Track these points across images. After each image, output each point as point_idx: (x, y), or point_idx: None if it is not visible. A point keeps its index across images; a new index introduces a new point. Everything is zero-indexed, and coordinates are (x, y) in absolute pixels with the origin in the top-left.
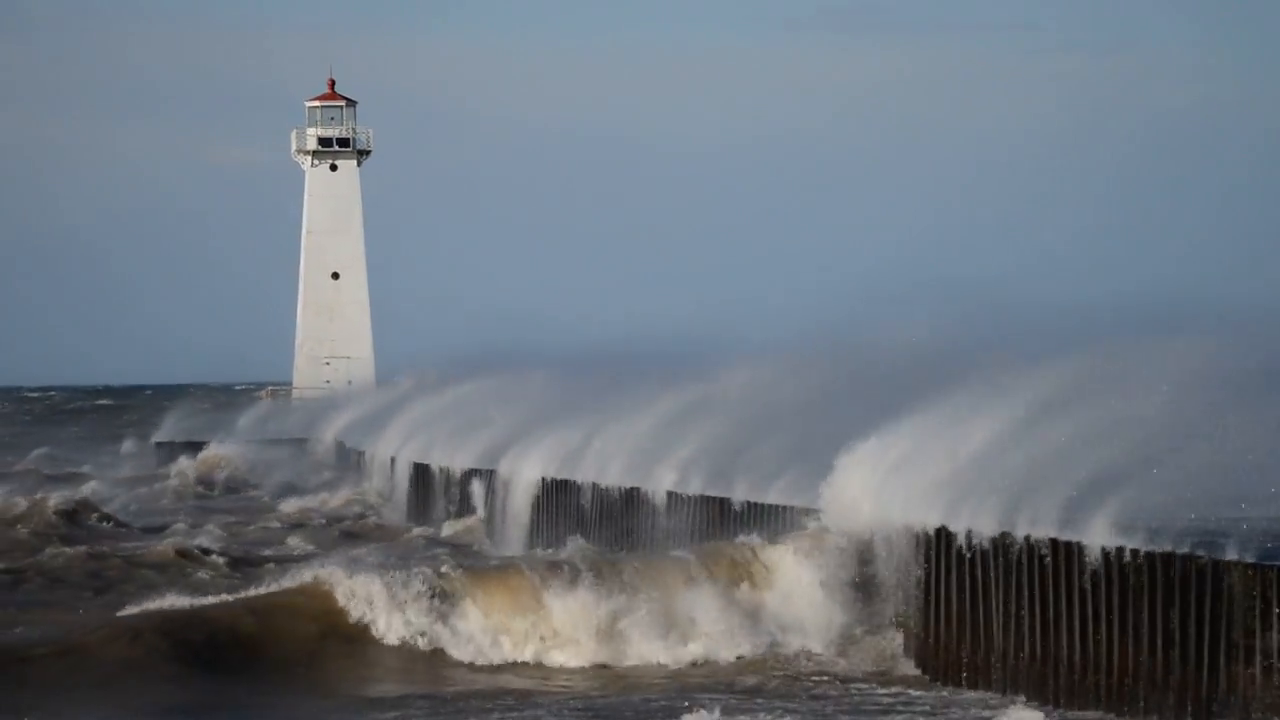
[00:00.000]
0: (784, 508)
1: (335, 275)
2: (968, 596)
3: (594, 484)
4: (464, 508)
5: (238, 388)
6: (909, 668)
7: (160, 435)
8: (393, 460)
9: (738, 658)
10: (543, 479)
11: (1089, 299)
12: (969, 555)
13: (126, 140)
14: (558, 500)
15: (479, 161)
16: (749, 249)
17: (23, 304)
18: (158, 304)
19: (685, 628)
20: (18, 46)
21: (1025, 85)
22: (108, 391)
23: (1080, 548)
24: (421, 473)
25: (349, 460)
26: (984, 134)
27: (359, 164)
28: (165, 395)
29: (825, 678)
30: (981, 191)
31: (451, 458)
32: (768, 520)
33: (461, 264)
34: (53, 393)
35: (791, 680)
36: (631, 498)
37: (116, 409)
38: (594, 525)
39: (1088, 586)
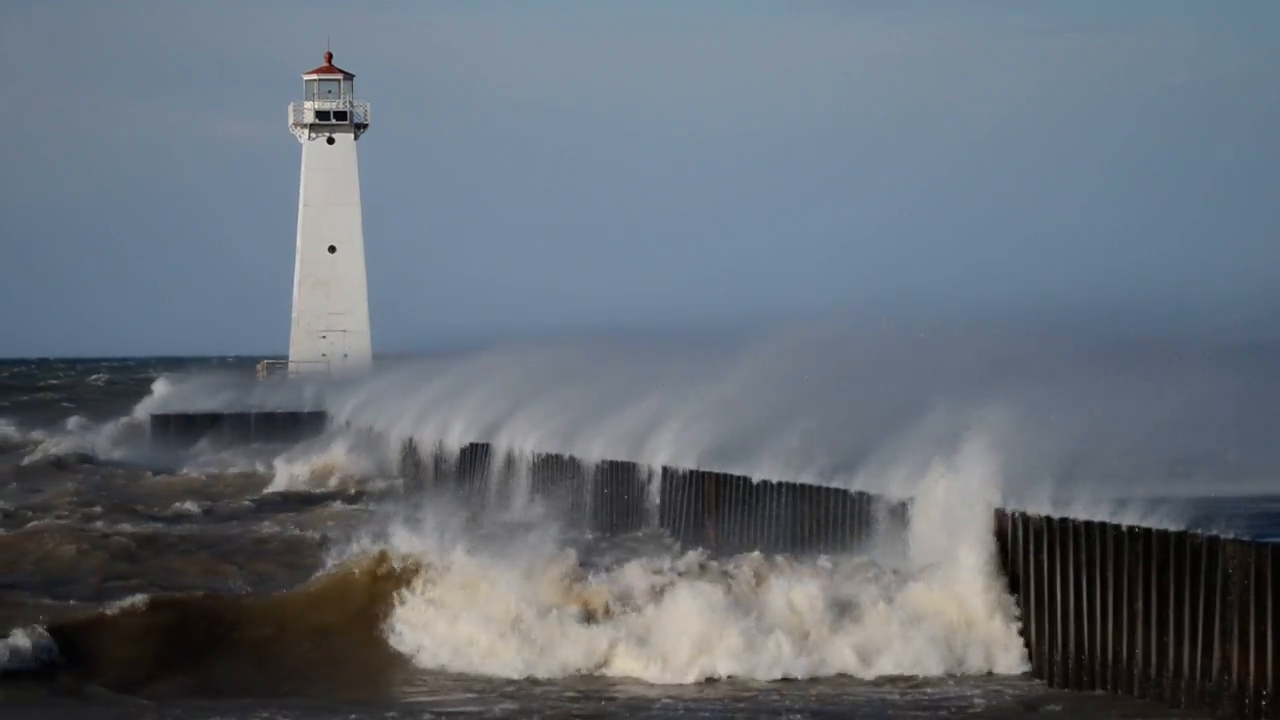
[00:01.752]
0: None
1: (332, 249)
2: None
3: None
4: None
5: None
6: None
7: (154, 408)
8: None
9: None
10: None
11: (1089, 280)
12: None
13: (123, 113)
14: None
15: (476, 135)
16: (745, 228)
17: (19, 276)
18: (153, 276)
19: None
20: (15, 22)
21: (1027, 62)
22: (104, 365)
23: None
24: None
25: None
26: (987, 111)
27: (356, 137)
28: (167, 367)
29: None
30: (981, 171)
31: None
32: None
33: (458, 238)
34: (77, 364)
35: None
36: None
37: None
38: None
39: None
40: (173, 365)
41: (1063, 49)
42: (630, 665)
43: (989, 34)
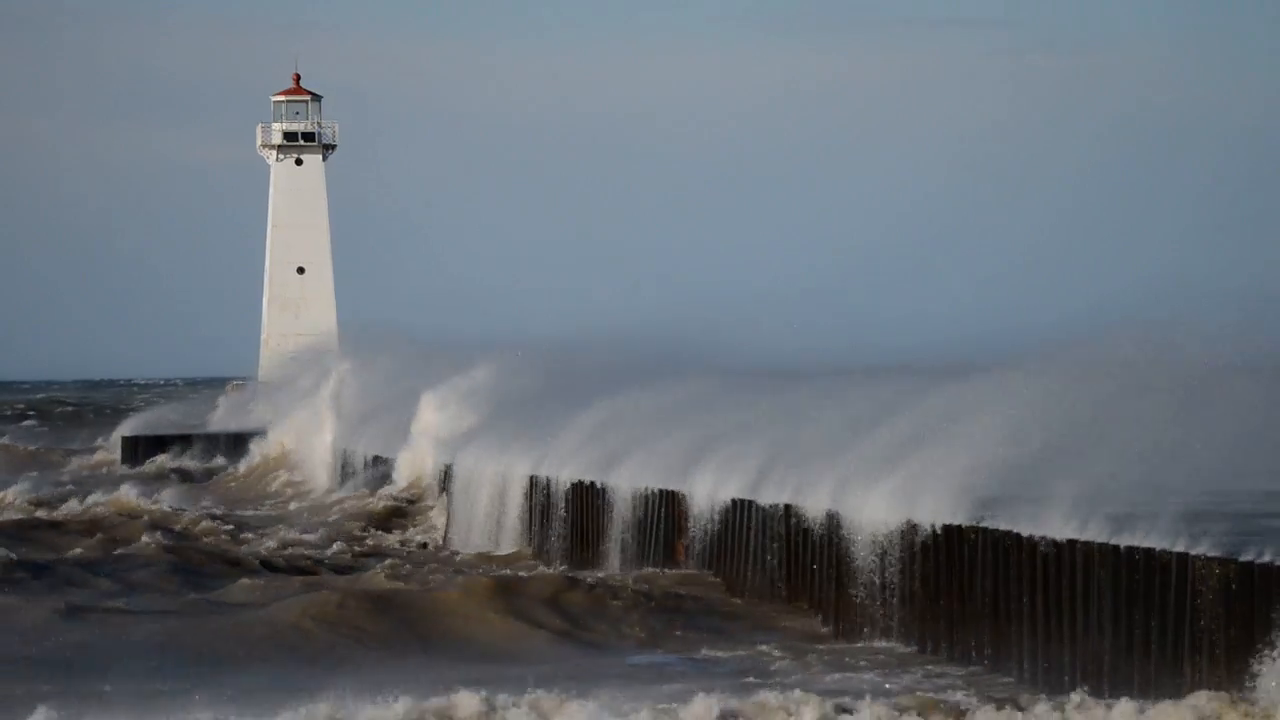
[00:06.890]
0: None
1: (301, 270)
2: None
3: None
4: None
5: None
6: None
7: (126, 430)
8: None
9: None
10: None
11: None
12: None
13: (90, 136)
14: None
15: (444, 156)
16: (713, 246)
17: None
18: (121, 299)
19: None
20: None
21: (999, 84)
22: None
23: None
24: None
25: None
26: (957, 132)
27: (324, 158)
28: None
29: None
30: (954, 190)
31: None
32: None
33: (427, 259)
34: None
35: None
36: None
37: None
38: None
39: None
40: (143, 389)
41: (1035, 69)
42: None
43: (959, 54)
